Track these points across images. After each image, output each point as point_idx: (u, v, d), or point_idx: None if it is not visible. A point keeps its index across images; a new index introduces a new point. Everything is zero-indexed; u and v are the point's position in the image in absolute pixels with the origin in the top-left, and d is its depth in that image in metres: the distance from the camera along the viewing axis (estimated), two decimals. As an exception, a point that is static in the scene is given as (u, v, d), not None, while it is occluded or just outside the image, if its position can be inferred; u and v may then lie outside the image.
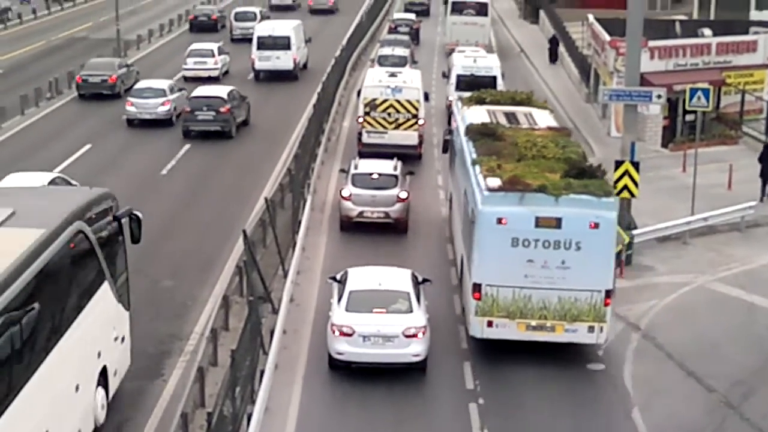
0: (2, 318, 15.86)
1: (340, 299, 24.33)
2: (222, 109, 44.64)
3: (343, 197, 33.30)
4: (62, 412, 18.69)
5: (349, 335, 23.51)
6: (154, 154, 42.17)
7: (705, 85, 35.25)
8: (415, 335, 23.54)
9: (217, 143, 44.04)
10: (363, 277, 25.00)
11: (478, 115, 31.90)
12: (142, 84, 48.95)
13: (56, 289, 18.48)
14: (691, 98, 34.23)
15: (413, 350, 23.59)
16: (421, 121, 40.42)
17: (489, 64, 47.90)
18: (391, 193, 33.06)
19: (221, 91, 46.44)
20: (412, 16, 75.69)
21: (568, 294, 24.28)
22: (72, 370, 19.20)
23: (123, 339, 22.65)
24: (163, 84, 48.41)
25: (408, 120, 40.07)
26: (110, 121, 47.69)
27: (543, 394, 23.55)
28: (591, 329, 24.46)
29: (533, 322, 24.51)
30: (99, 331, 20.93)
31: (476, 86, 40.65)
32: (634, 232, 31.36)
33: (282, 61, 56.57)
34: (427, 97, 42.17)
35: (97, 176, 37.12)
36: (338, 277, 25.56)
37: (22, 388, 16.59)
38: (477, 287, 24.60)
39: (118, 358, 22.27)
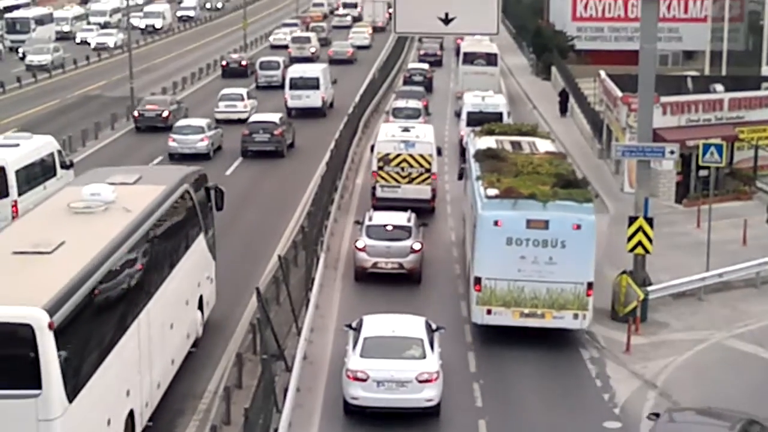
0: (147, 236, 23.59)
1: (355, 346, 24.82)
2: (276, 132, 52.18)
3: (357, 248, 33.84)
4: (180, 314, 26.22)
5: (364, 380, 24.01)
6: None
7: (718, 141, 35.20)
8: (428, 380, 24.02)
9: (235, 192, 44.13)
10: (377, 325, 25.57)
11: (487, 143, 35.50)
12: (182, 122, 54.16)
13: (174, 226, 26.26)
14: (704, 154, 34.13)
15: (426, 395, 24.06)
16: (434, 170, 40.50)
17: (496, 102, 52.75)
18: (405, 244, 33.61)
19: (274, 117, 53.83)
20: (425, 65, 78.13)
21: (555, 286, 28.22)
22: (184, 288, 26.73)
23: (212, 280, 30.08)
24: (202, 122, 53.49)
25: (421, 174, 40.27)
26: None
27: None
28: (576, 316, 28.46)
29: (526, 310, 28.43)
30: (198, 267, 28.49)
31: (485, 122, 42.55)
32: (649, 288, 31.22)
33: (311, 99, 62.72)
34: (440, 152, 42.44)
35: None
36: (353, 324, 26.06)
37: (164, 281, 24.58)
38: (477, 280, 28.65)
39: (209, 293, 29.73)
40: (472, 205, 31.23)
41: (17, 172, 36.64)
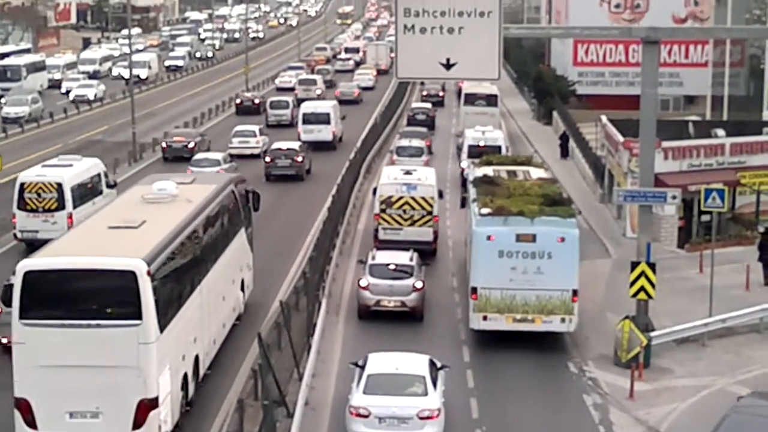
0: (203, 231, 29.60)
1: (359, 383, 25.27)
2: (297, 158, 57.41)
3: (360, 287, 34.54)
4: (229, 290, 32.48)
5: (366, 417, 24.43)
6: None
7: (720, 186, 35.18)
8: (429, 417, 24.39)
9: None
10: (382, 362, 26.03)
11: (485, 172, 38.54)
12: (199, 155, 57.75)
13: (223, 216, 32.44)
14: (706, 199, 34.09)
15: None
16: (435, 213, 41.06)
17: (495, 137, 57.05)
18: (407, 283, 34.27)
19: (295, 144, 59.34)
20: (428, 105, 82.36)
21: (543, 293, 31.16)
22: (231, 269, 32.96)
23: (250, 268, 36.00)
24: (218, 156, 57.34)
25: (423, 217, 40.78)
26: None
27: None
28: (563, 320, 31.31)
29: (518, 316, 31.32)
30: (240, 254, 34.50)
31: (485, 154, 45.69)
32: (652, 334, 31.08)
33: (323, 133, 67.06)
34: (441, 195, 42.91)
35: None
36: (359, 362, 26.43)
37: (214, 267, 30.17)
38: (474, 290, 31.73)
39: (248, 280, 35.66)
40: (470, 224, 34.59)
41: (72, 188, 42.80)
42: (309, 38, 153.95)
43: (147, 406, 23.74)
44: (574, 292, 31.27)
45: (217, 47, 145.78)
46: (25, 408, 23.75)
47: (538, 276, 31.10)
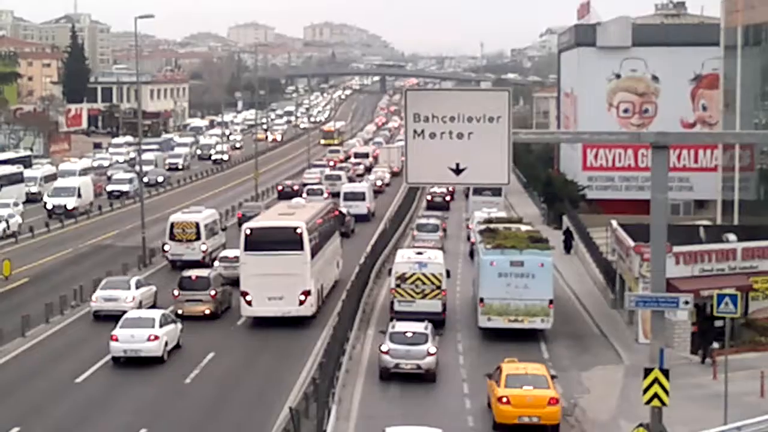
0: (322, 221, 54.64)
1: None
2: (346, 221, 74.31)
3: (381, 351, 39.36)
4: (332, 262, 56.28)
5: None
6: (180, 356, 41.99)
7: (732, 291, 34.90)
8: None
9: (249, 347, 43.91)
10: None
11: (488, 225, 53.40)
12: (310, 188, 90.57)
13: (327, 221, 56.50)
14: (718, 304, 33.81)
15: None
16: (444, 288, 47.47)
17: (499, 216, 66.02)
18: (422, 348, 39.14)
19: (344, 210, 76.26)
20: (444, 190, 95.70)
21: (529, 302, 44.99)
22: (333, 251, 56.98)
23: (341, 256, 59.02)
24: (322, 186, 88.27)
25: (433, 291, 47.26)
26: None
27: None
28: (542, 321, 45.25)
29: (511, 318, 45.17)
30: (336, 247, 58.44)
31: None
32: (667, 441, 30.63)
33: (360, 208, 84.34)
34: (448, 274, 49.18)
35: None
36: None
37: (327, 242, 55.19)
38: (481, 299, 45.58)
39: (340, 264, 58.30)
40: (477, 259, 48.93)
41: (205, 226, 63.11)
42: (313, 144, 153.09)
43: (305, 293, 47.25)
44: (550, 301, 45.04)
45: (180, 166, 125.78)
46: (245, 295, 47.15)
47: (525, 290, 44.77)
